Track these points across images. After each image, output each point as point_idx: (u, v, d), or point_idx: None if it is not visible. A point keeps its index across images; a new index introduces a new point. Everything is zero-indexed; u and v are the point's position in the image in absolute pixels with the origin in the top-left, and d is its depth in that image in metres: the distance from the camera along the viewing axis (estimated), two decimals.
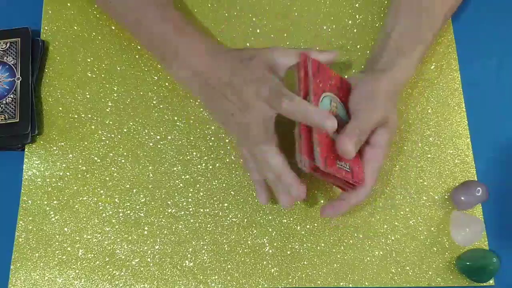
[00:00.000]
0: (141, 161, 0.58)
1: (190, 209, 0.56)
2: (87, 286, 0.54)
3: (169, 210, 0.56)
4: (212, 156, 0.58)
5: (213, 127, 0.59)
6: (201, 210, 0.56)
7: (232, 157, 0.58)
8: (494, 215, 0.57)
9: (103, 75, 0.61)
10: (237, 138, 0.54)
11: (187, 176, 0.57)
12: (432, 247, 0.55)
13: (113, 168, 0.58)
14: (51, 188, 0.57)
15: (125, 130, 0.59)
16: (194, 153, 0.58)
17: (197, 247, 0.55)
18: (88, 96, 0.60)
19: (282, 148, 0.49)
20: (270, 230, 0.56)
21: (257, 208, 0.57)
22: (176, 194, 0.57)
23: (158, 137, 0.59)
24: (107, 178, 0.57)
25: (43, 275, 0.54)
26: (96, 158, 0.58)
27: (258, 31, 0.63)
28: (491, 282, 0.54)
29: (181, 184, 0.57)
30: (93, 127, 0.59)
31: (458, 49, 0.62)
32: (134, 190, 0.57)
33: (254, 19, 0.63)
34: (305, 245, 0.55)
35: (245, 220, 0.56)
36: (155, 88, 0.60)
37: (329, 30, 0.63)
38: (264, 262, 0.55)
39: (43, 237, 0.56)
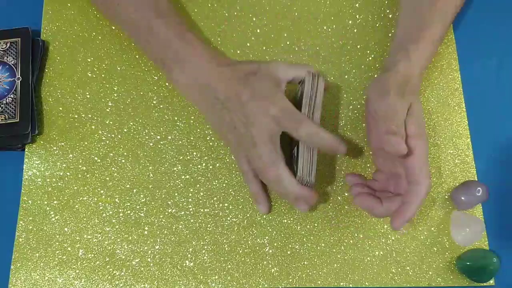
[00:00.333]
0: (141, 161, 0.58)
1: (190, 209, 0.56)
2: (87, 286, 0.54)
3: (169, 210, 0.56)
4: (212, 156, 0.58)
5: None
6: (201, 210, 0.56)
7: (232, 157, 0.58)
8: (494, 215, 0.57)
9: (103, 75, 0.61)
10: (236, 150, 0.53)
11: (187, 176, 0.57)
12: (432, 247, 0.55)
13: (113, 168, 0.58)
14: (51, 188, 0.57)
15: (125, 130, 0.59)
16: (194, 153, 0.58)
17: (197, 247, 0.55)
18: (88, 96, 0.60)
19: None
20: (270, 230, 0.56)
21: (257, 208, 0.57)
22: (176, 194, 0.57)
23: (158, 137, 0.59)
24: (107, 178, 0.57)
25: (43, 275, 0.54)
26: (96, 158, 0.58)
27: (258, 31, 0.63)
28: (491, 282, 0.54)
29: (181, 184, 0.57)
30: (93, 127, 0.59)
31: (458, 49, 0.62)
32: (134, 190, 0.57)
33: (254, 19, 0.63)
34: (305, 245, 0.55)
35: (245, 220, 0.56)
36: (155, 88, 0.60)
37: (329, 30, 0.63)
38: (264, 262, 0.55)
39: (43, 237, 0.56)
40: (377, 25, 0.63)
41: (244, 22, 0.63)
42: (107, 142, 0.59)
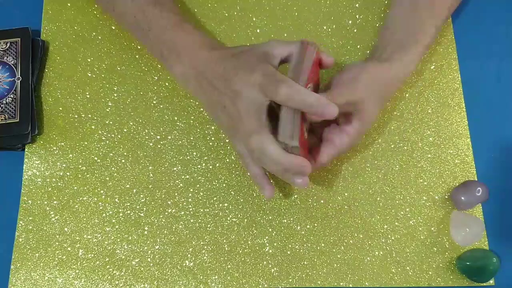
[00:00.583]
0: (141, 161, 0.58)
1: (190, 209, 0.56)
2: (87, 286, 0.54)
3: (169, 210, 0.56)
4: (212, 156, 0.58)
5: (213, 127, 0.59)
6: (201, 210, 0.56)
7: (232, 157, 0.58)
8: (494, 215, 0.57)
9: (103, 75, 0.61)
10: (230, 132, 0.52)
11: (187, 176, 0.57)
12: (432, 247, 0.55)
13: (113, 168, 0.58)
14: (51, 188, 0.57)
15: (125, 130, 0.59)
16: (194, 153, 0.58)
17: (197, 247, 0.55)
18: (88, 96, 0.60)
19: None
20: (270, 230, 0.56)
21: (257, 208, 0.57)
22: (176, 194, 0.57)
23: (158, 137, 0.59)
24: (107, 178, 0.57)
25: (43, 275, 0.54)
26: (96, 158, 0.58)
27: (258, 31, 0.63)
28: (491, 282, 0.54)
29: (181, 184, 0.57)
30: (93, 127, 0.59)
31: (458, 49, 0.62)
32: (134, 190, 0.57)
33: (254, 19, 0.63)
34: (305, 245, 0.55)
35: (245, 220, 0.56)
36: (155, 88, 0.60)
37: (329, 30, 0.63)
38: (264, 262, 0.55)
39: (43, 237, 0.56)
40: (377, 25, 0.63)
41: (244, 22, 0.63)
42: (107, 142, 0.59)
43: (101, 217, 0.56)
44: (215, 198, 0.57)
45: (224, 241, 0.55)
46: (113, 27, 0.62)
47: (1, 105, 0.58)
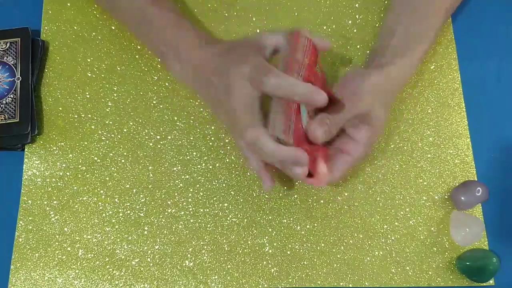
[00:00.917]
0: (141, 161, 0.58)
1: (190, 209, 0.56)
2: (87, 286, 0.54)
3: (169, 210, 0.56)
4: (212, 156, 0.58)
5: (213, 127, 0.59)
6: (201, 210, 0.56)
7: (232, 157, 0.58)
8: (494, 215, 0.57)
9: (103, 75, 0.61)
10: (229, 127, 0.52)
11: (187, 176, 0.57)
12: (432, 247, 0.55)
13: (113, 168, 0.58)
14: (51, 188, 0.57)
15: (125, 130, 0.59)
16: (194, 153, 0.58)
17: (197, 247, 0.55)
18: (88, 96, 0.60)
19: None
20: (270, 230, 0.56)
21: (257, 208, 0.57)
22: (176, 194, 0.57)
23: (158, 137, 0.59)
24: (107, 178, 0.57)
25: (43, 275, 0.54)
26: (96, 158, 0.58)
27: (258, 31, 0.63)
28: (491, 282, 0.54)
29: (181, 184, 0.57)
30: (93, 127, 0.59)
31: (458, 49, 0.62)
32: (134, 190, 0.57)
33: (254, 19, 0.63)
34: (305, 245, 0.55)
35: (245, 220, 0.56)
36: (155, 88, 0.60)
37: (329, 30, 0.63)
38: (264, 262, 0.55)
39: (43, 237, 0.56)
40: (377, 25, 0.63)
41: (244, 22, 0.63)
42: (107, 142, 0.59)
43: (101, 217, 0.56)
44: (215, 198, 0.57)
45: (224, 241, 0.55)
46: (113, 27, 0.62)
47: (1, 105, 0.58)
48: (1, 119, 0.58)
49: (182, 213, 0.56)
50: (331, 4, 0.64)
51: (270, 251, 0.55)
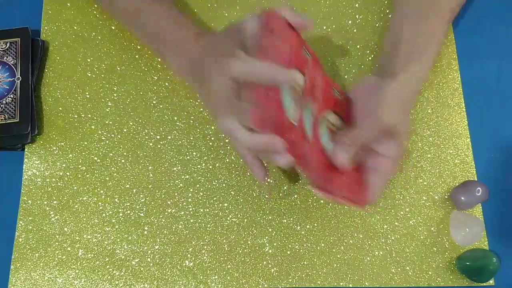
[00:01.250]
0: (141, 161, 0.58)
1: (190, 209, 0.56)
2: (87, 286, 0.54)
3: (169, 210, 0.56)
4: (212, 156, 0.58)
5: (213, 127, 0.59)
6: (201, 210, 0.56)
7: (232, 157, 0.58)
8: (494, 215, 0.57)
9: (103, 75, 0.61)
10: (214, 119, 0.52)
11: (187, 176, 0.57)
12: (432, 247, 0.55)
13: (113, 168, 0.58)
14: (51, 188, 0.57)
15: (125, 130, 0.59)
16: (194, 153, 0.58)
17: (197, 247, 0.55)
18: (88, 96, 0.60)
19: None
20: (270, 230, 0.56)
21: (257, 208, 0.57)
22: (176, 194, 0.57)
23: (158, 137, 0.59)
24: (107, 178, 0.57)
25: (43, 275, 0.54)
26: (96, 158, 0.58)
27: None
28: (491, 282, 0.54)
29: (181, 184, 0.57)
30: (93, 127, 0.59)
31: (458, 49, 0.62)
32: (134, 190, 0.57)
33: None
34: (305, 245, 0.55)
35: (245, 220, 0.56)
36: (155, 88, 0.60)
37: (329, 30, 0.63)
38: (264, 262, 0.55)
39: (43, 237, 0.56)
40: (377, 25, 0.63)
41: None
42: (107, 142, 0.59)
43: (101, 217, 0.56)
44: (215, 198, 0.57)
45: (224, 241, 0.55)
46: (113, 27, 0.62)
47: (1, 105, 0.58)
48: (1, 119, 0.58)
49: (182, 213, 0.56)
50: (331, 4, 0.64)
51: (270, 251, 0.55)
